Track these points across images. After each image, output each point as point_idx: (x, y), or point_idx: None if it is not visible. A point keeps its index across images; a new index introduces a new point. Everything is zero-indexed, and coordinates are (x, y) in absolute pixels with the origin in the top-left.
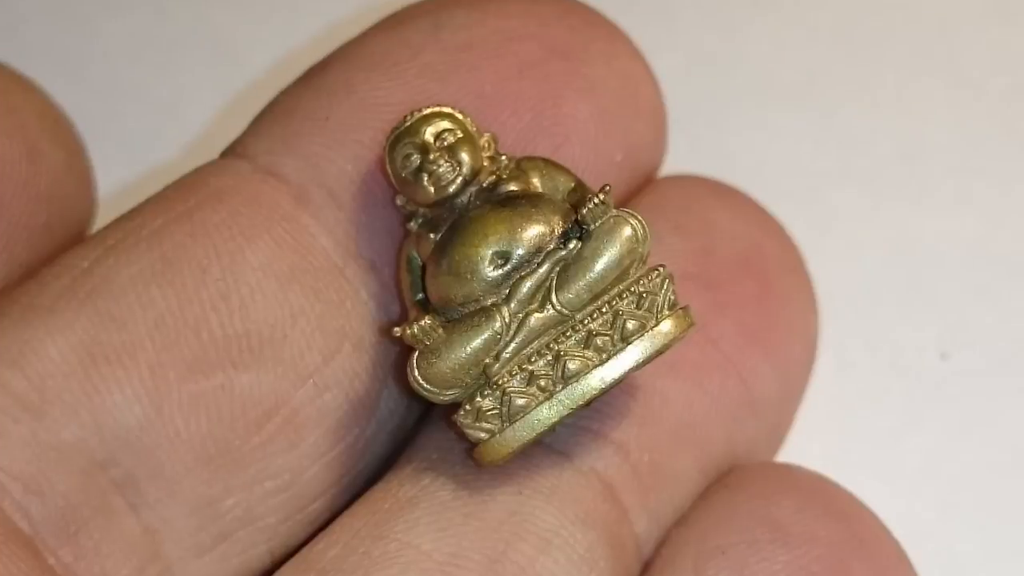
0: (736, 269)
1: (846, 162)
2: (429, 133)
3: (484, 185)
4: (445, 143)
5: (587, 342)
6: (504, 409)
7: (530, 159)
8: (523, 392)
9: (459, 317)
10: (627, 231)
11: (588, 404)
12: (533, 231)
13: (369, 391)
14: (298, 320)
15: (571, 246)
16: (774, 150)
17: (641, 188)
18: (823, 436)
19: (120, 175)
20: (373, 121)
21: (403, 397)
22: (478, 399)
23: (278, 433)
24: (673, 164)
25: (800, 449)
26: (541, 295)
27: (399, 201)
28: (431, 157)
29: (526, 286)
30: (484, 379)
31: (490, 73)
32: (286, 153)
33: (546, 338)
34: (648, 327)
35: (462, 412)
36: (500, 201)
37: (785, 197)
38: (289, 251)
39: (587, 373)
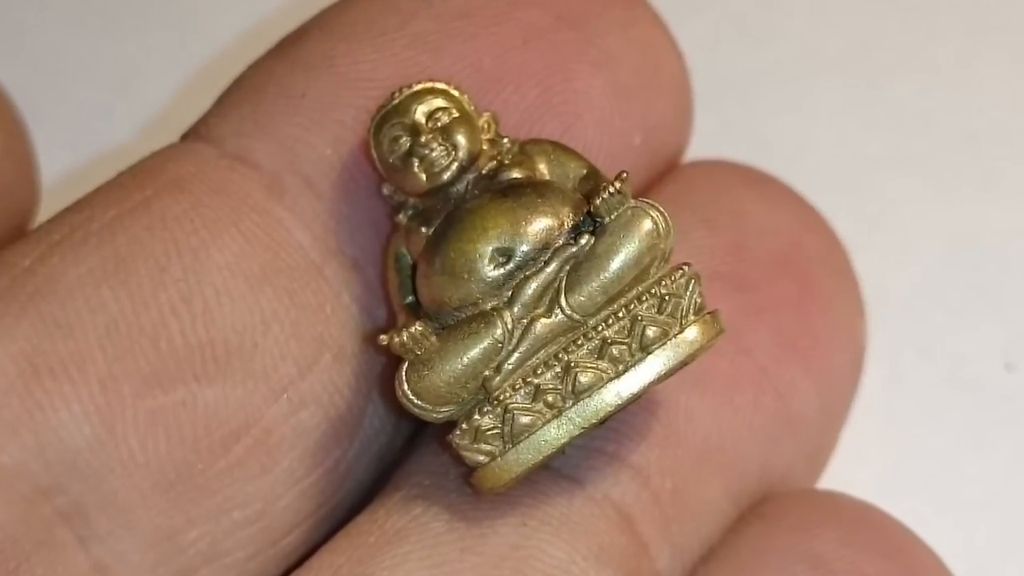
0: (772, 268)
1: (899, 146)
2: (420, 112)
3: (483, 172)
4: (438, 124)
5: (601, 352)
6: (506, 428)
7: (536, 142)
8: (528, 409)
9: (455, 323)
10: (647, 224)
11: (602, 422)
12: (539, 225)
13: (351, 408)
14: (271, 327)
15: (583, 242)
16: (815, 132)
17: (663, 175)
18: (871, 459)
19: (67, 160)
20: (356, 99)
21: (390, 414)
22: (476, 417)
23: (248, 456)
24: (699, 148)
25: (845, 474)
26: (548, 298)
27: (386, 190)
28: (422, 140)
29: (531, 287)
30: (483, 394)
31: (490, 44)
32: (257, 136)
33: (554, 347)
34: (671, 334)
35: (458, 432)
36: (502, 190)
37: (828, 186)
38: (260, 248)
39: (601, 387)
